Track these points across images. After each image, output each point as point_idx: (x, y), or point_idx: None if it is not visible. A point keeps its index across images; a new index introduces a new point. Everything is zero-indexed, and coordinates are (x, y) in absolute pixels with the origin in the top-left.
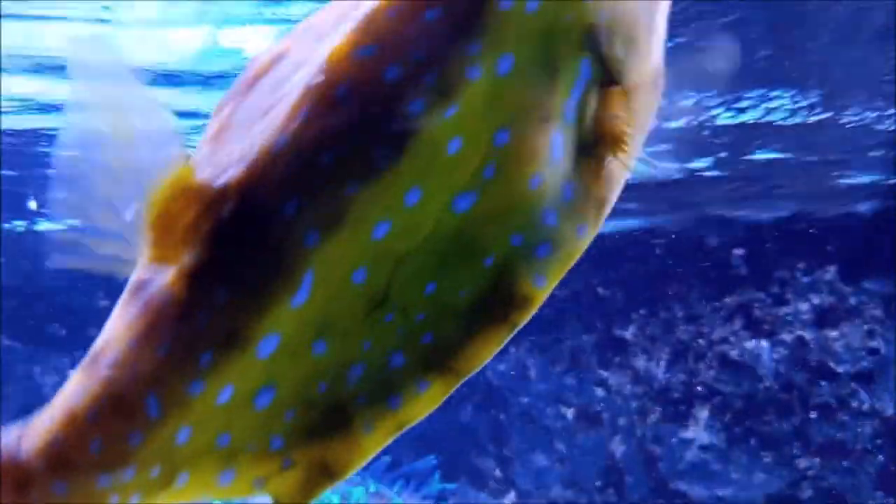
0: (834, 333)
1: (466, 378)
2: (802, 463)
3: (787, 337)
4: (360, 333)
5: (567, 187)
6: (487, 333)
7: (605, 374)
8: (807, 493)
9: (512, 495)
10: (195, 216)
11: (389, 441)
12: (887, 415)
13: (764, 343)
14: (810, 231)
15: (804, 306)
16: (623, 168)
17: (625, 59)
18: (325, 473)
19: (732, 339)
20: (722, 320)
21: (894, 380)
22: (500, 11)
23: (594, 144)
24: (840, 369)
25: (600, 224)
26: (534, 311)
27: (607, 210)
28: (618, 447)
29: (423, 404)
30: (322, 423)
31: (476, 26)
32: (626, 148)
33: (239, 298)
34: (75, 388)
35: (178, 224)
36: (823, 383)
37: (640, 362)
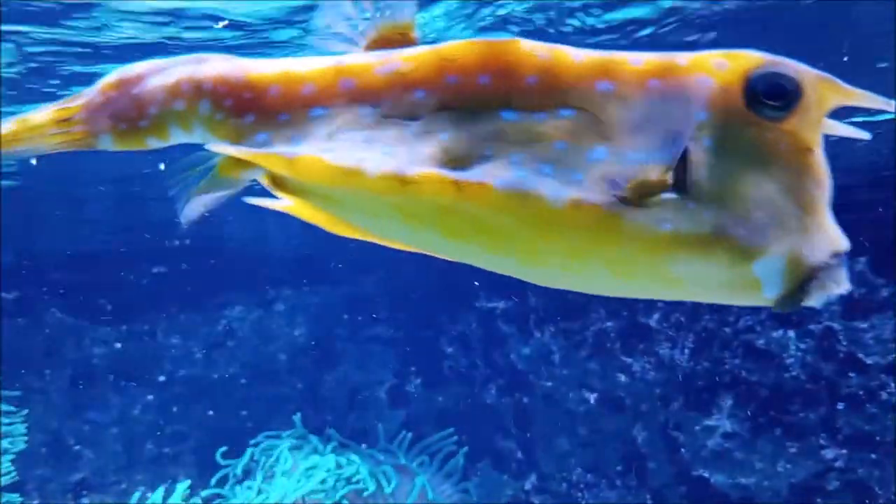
0: (864, 325)
1: None
2: (829, 454)
3: (814, 327)
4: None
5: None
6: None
7: (628, 360)
8: (833, 484)
9: (533, 477)
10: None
11: None
12: None
13: (791, 333)
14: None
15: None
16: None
17: None
18: None
19: (759, 328)
20: (748, 309)
21: None
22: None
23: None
24: (869, 361)
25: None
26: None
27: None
28: (640, 433)
29: None
30: None
31: None
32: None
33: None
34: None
35: (386, 42)
36: (852, 374)
37: (665, 350)
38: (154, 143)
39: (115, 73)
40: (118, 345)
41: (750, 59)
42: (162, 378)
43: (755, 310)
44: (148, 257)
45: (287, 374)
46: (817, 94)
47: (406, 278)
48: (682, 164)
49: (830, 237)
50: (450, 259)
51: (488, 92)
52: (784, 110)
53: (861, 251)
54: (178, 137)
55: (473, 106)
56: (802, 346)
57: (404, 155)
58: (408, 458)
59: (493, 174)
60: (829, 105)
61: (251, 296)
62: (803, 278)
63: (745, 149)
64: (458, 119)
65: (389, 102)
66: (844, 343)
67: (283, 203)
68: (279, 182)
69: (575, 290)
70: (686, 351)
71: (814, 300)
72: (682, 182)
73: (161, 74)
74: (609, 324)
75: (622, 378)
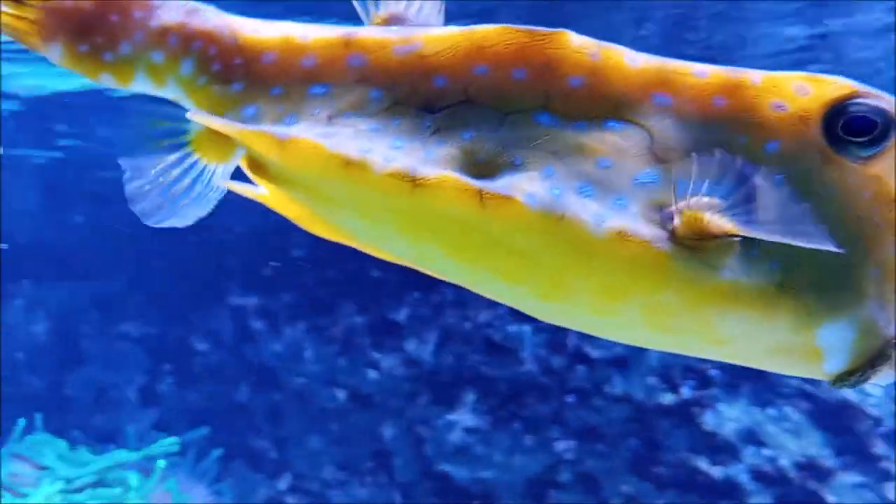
0: None
1: None
2: (560, 446)
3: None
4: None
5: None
6: None
7: (377, 356)
8: (564, 476)
9: (288, 476)
10: None
11: None
12: (638, 399)
13: (526, 327)
14: None
15: None
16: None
17: None
18: None
19: (497, 322)
20: (486, 303)
21: (647, 365)
22: None
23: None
24: (595, 354)
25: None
26: None
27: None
28: (388, 429)
29: None
30: None
31: None
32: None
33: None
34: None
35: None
36: (580, 368)
37: (412, 345)
38: (108, 82)
39: None
40: None
41: (838, 87)
42: None
43: (492, 304)
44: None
45: (26, 373)
46: None
47: (156, 273)
48: (745, 201)
49: None
50: (449, 280)
51: (523, 89)
52: (871, 150)
53: None
54: (141, 87)
55: (504, 104)
56: (537, 339)
57: (418, 152)
58: (158, 459)
59: (524, 188)
60: None
61: None
62: (874, 353)
63: (819, 191)
64: (484, 117)
65: (405, 88)
66: (574, 337)
67: (257, 190)
68: (258, 165)
69: (596, 335)
70: (431, 346)
71: (881, 379)
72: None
73: (147, 11)
74: (358, 319)
75: (372, 374)
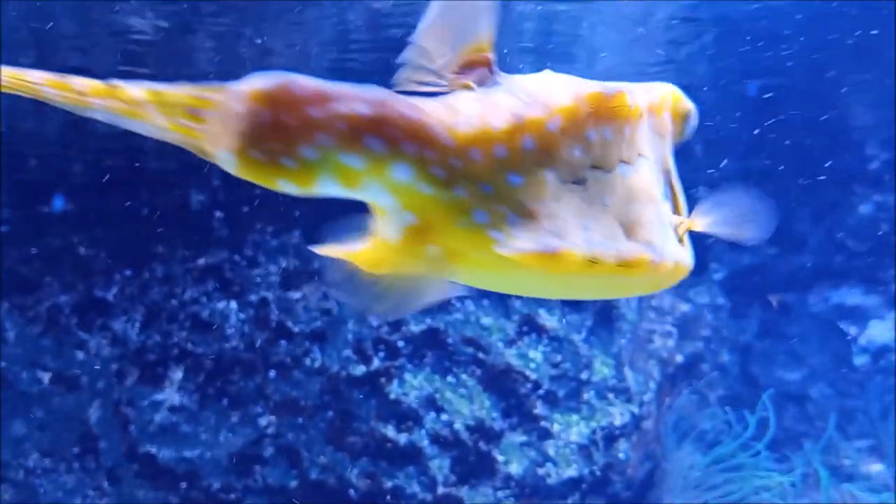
0: (297, 295)
1: None
2: (263, 421)
3: (254, 298)
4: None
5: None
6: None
7: (85, 335)
8: (268, 450)
9: None
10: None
11: None
12: (333, 371)
13: (233, 304)
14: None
15: (273, 268)
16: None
17: None
18: None
19: (204, 299)
20: (194, 280)
21: (343, 339)
22: None
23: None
24: (296, 329)
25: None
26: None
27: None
28: (94, 412)
29: None
30: None
31: None
32: None
33: None
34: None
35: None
36: (282, 342)
37: (120, 324)
38: (286, 188)
39: (270, 83)
40: None
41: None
42: None
43: (200, 281)
44: None
45: None
46: None
47: None
48: None
49: None
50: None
51: (615, 146)
52: None
53: (296, 224)
54: (327, 190)
55: (606, 164)
56: (242, 316)
57: (600, 231)
58: None
59: (649, 248)
60: None
61: None
62: None
63: None
64: (604, 180)
65: (562, 166)
66: (276, 312)
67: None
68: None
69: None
70: (137, 325)
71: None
72: None
73: (329, 105)
74: (64, 298)
75: (78, 355)
